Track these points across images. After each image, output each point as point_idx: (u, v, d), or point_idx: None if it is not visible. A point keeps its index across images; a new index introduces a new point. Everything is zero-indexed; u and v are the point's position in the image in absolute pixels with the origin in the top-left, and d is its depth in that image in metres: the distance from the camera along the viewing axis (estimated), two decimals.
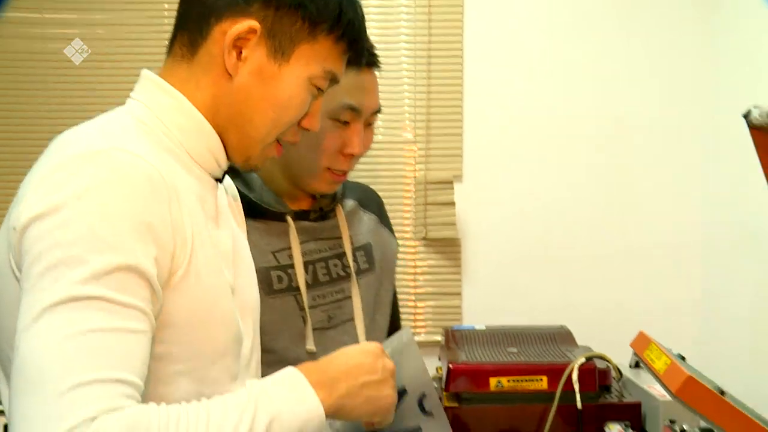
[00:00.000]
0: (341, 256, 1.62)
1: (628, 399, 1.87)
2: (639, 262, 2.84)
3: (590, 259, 2.82)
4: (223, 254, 0.99)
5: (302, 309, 1.51)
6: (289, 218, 1.53)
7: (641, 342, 1.17)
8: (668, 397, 1.76)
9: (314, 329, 1.52)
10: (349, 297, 1.60)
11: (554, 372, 1.84)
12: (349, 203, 1.72)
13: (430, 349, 1.92)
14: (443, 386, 1.92)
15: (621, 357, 2.04)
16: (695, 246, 2.80)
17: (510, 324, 2.20)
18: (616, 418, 1.71)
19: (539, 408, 1.84)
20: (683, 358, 1.14)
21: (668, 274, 2.83)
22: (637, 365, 2.13)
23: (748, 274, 2.49)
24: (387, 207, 1.89)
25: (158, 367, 0.88)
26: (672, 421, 1.57)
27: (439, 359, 2.14)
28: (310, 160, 1.51)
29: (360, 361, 0.98)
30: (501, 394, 1.85)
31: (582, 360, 1.84)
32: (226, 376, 0.97)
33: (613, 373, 1.93)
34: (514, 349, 2.03)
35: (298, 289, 1.51)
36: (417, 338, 2.39)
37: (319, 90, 1.08)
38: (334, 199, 1.66)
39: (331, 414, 0.92)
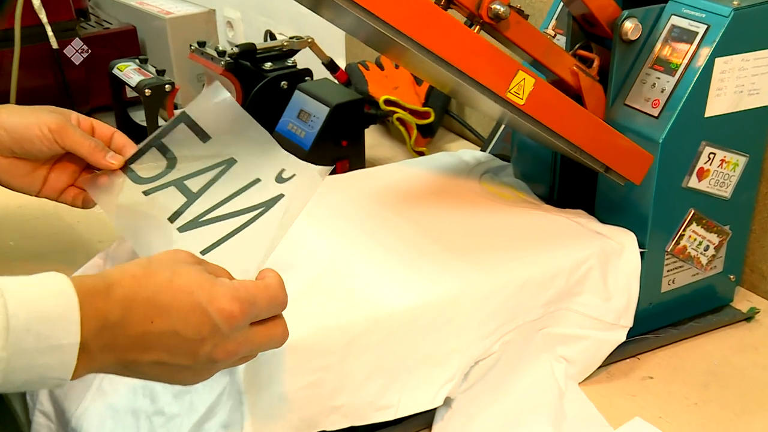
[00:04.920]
0: None
1: (117, 26, 1.56)
2: None
3: None
4: None
5: None
6: None
7: None
8: (175, 13, 1.50)
9: None
10: None
11: None
12: None
13: None
14: None
15: None
16: None
17: None
18: (108, 57, 1.38)
19: None
20: None
21: None
22: None
23: None
24: None
25: None
26: (201, 44, 1.31)
27: None
28: None
29: (176, 328, 0.62)
30: None
31: None
32: None
33: None
34: None
35: None
36: None
37: None
38: None
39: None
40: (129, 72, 1.25)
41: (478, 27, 0.83)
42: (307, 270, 0.83)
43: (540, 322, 0.86)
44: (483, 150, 1.21)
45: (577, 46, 0.94)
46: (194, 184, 0.82)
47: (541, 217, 0.95)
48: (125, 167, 0.84)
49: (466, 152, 1.10)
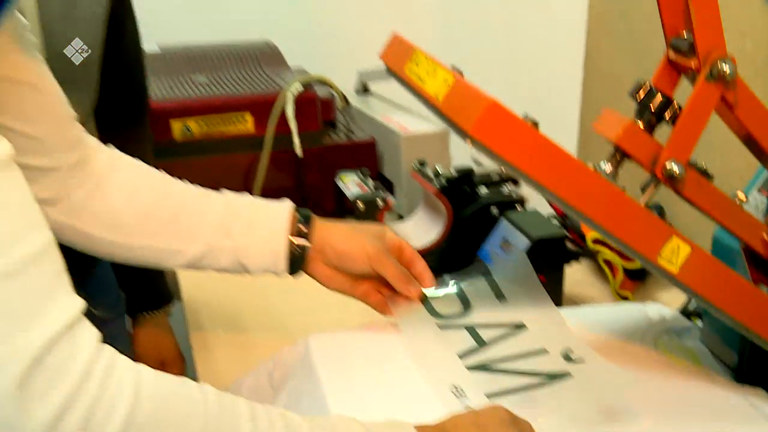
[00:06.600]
0: None
1: (360, 136, 1.73)
2: None
3: None
4: None
5: None
6: None
7: (397, 50, 0.86)
8: (411, 131, 1.64)
9: None
10: None
11: (261, 106, 1.62)
12: None
13: None
14: None
15: (343, 80, 1.86)
16: None
17: (192, 42, 1.89)
18: (347, 165, 1.55)
19: (245, 158, 1.62)
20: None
21: None
22: (365, 90, 1.98)
23: None
24: None
25: None
26: (422, 164, 1.44)
27: None
28: None
29: None
30: (190, 145, 1.60)
31: (297, 87, 1.63)
32: None
33: (338, 103, 1.76)
34: (203, 78, 1.75)
35: None
36: None
37: None
38: None
39: None
40: (350, 183, 1.41)
41: (653, 185, 0.86)
42: None
43: None
44: (685, 305, 1.21)
45: None
46: (485, 334, 0.95)
47: (707, 391, 0.92)
48: (423, 298, 1.01)
49: (654, 307, 1.11)
